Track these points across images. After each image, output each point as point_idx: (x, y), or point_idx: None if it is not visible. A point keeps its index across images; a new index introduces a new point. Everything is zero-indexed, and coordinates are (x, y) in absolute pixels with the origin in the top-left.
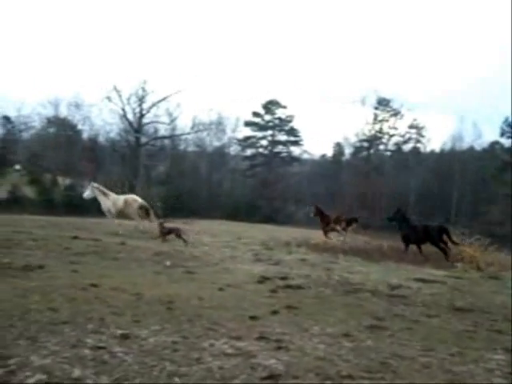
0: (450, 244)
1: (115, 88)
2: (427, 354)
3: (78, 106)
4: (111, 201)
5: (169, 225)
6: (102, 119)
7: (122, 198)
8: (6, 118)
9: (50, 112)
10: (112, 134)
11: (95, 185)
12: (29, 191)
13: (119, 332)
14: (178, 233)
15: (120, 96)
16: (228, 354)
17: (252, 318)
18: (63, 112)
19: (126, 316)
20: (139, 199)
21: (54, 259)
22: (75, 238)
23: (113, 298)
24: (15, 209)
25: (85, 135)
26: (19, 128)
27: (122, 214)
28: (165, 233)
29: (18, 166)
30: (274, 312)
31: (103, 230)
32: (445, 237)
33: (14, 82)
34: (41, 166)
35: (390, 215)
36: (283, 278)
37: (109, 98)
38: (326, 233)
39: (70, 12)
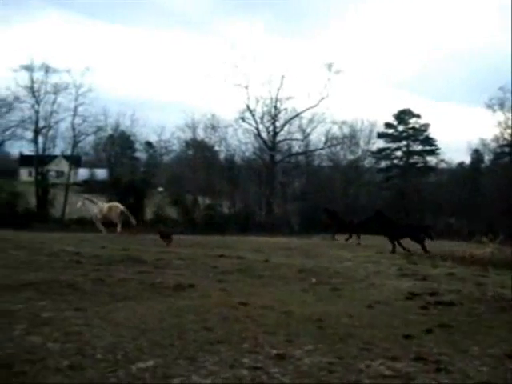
0: None
1: (248, 108)
2: None
3: (214, 127)
4: (98, 208)
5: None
6: (238, 139)
7: (106, 205)
8: (148, 144)
9: (188, 135)
10: (247, 153)
11: (85, 196)
12: (171, 211)
13: (274, 352)
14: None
15: (253, 116)
16: (386, 375)
17: (406, 337)
18: (200, 134)
19: (279, 335)
20: (120, 206)
21: (202, 278)
22: (221, 256)
23: (263, 316)
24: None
25: (221, 156)
26: (160, 152)
27: (106, 218)
28: (165, 236)
29: (160, 188)
30: (428, 331)
31: (245, 248)
32: None
33: (153, 108)
34: (182, 188)
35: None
36: (433, 294)
37: (243, 119)
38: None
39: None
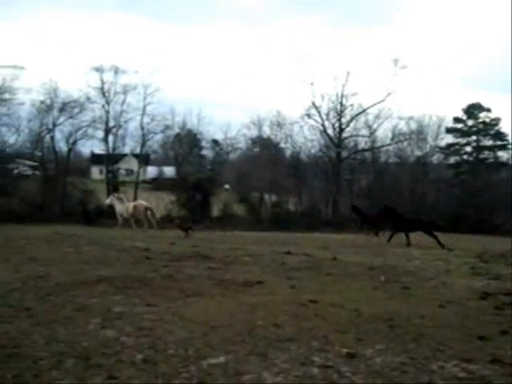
0: None
1: (314, 105)
2: None
3: (279, 125)
4: (125, 207)
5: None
6: (303, 136)
7: (132, 204)
8: (215, 142)
9: (254, 133)
10: (313, 151)
11: (115, 194)
12: (238, 209)
13: (345, 351)
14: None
15: (319, 112)
16: (460, 378)
17: (480, 338)
18: (266, 132)
19: (349, 334)
20: (144, 203)
21: (270, 275)
22: (288, 253)
23: (333, 314)
24: (227, 226)
25: (287, 153)
26: (226, 150)
27: (132, 216)
28: (184, 229)
29: (227, 186)
30: (504, 332)
31: (312, 245)
32: None
33: (219, 106)
34: (248, 185)
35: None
36: (507, 294)
37: (308, 115)
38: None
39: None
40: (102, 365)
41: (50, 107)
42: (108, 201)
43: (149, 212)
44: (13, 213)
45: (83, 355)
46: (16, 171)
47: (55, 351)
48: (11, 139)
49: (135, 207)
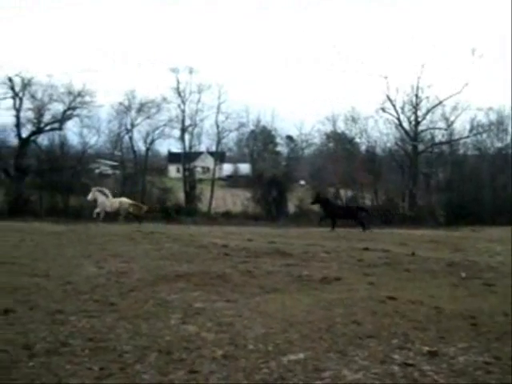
0: None
1: (388, 98)
2: None
3: (354, 119)
4: (110, 201)
5: None
6: (378, 130)
7: (117, 199)
8: (289, 138)
9: (328, 128)
10: (389, 144)
11: (98, 188)
12: (314, 205)
13: (426, 349)
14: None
15: (394, 106)
16: None
17: None
18: (340, 127)
19: (430, 331)
20: (129, 200)
21: (348, 271)
22: (366, 249)
23: (412, 311)
24: (302, 222)
25: (362, 148)
26: (301, 146)
27: (117, 211)
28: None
29: (302, 182)
30: None
31: (390, 240)
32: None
33: (293, 102)
34: (323, 180)
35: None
36: None
37: (383, 109)
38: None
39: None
40: (184, 359)
41: (128, 108)
42: (90, 196)
43: (131, 208)
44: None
45: (165, 350)
46: (97, 171)
47: (139, 345)
48: (92, 140)
49: (120, 203)
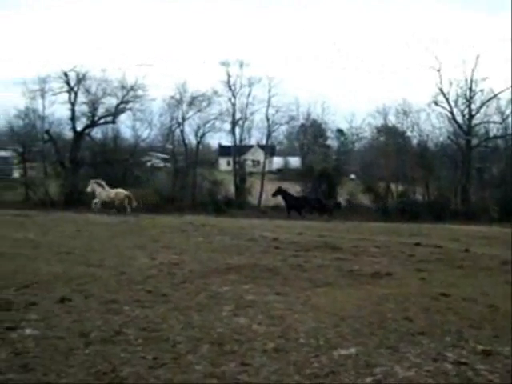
0: None
1: (441, 91)
2: None
3: (405, 113)
4: (106, 192)
5: None
6: (431, 124)
7: (113, 190)
8: (340, 131)
9: (379, 121)
10: (441, 138)
11: (96, 180)
12: (364, 199)
13: (480, 347)
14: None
15: (447, 99)
16: None
17: None
18: (392, 120)
19: (484, 330)
20: (125, 191)
21: (399, 266)
22: (417, 244)
23: (466, 309)
24: (352, 216)
25: (414, 141)
26: (351, 139)
27: (112, 202)
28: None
29: (352, 176)
30: None
31: (442, 236)
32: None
33: (344, 95)
34: (374, 175)
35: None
36: None
37: (436, 103)
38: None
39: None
40: (235, 351)
41: (179, 102)
42: (89, 188)
43: (126, 199)
44: (146, 203)
45: (217, 341)
46: (149, 163)
47: (191, 336)
48: (144, 133)
49: (116, 194)
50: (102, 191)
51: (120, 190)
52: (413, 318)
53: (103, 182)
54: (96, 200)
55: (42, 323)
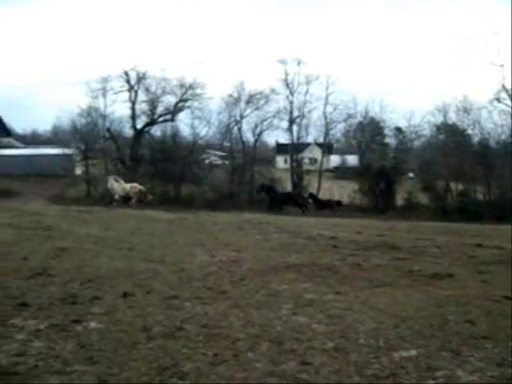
0: None
1: (504, 88)
2: None
3: (466, 110)
4: (121, 186)
5: None
6: (492, 122)
7: (128, 185)
8: (398, 129)
9: (438, 119)
10: (503, 137)
11: (114, 176)
12: (422, 198)
13: None
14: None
15: (510, 96)
16: None
17: None
18: (451, 118)
19: None
20: (139, 186)
21: (460, 267)
22: (479, 245)
23: None
24: (411, 215)
25: (475, 139)
26: (410, 137)
27: (127, 195)
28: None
29: (411, 174)
30: None
31: (505, 237)
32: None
33: (402, 93)
34: (433, 173)
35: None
36: None
37: (498, 99)
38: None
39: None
40: (295, 350)
41: (237, 100)
42: (109, 184)
43: (139, 194)
44: (205, 200)
45: (277, 340)
46: (207, 161)
47: (251, 334)
48: (203, 131)
49: (131, 187)
50: (119, 186)
51: (134, 185)
52: (475, 321)
53: (119, 178)
54: (116, 196)
55: (106, 317)
